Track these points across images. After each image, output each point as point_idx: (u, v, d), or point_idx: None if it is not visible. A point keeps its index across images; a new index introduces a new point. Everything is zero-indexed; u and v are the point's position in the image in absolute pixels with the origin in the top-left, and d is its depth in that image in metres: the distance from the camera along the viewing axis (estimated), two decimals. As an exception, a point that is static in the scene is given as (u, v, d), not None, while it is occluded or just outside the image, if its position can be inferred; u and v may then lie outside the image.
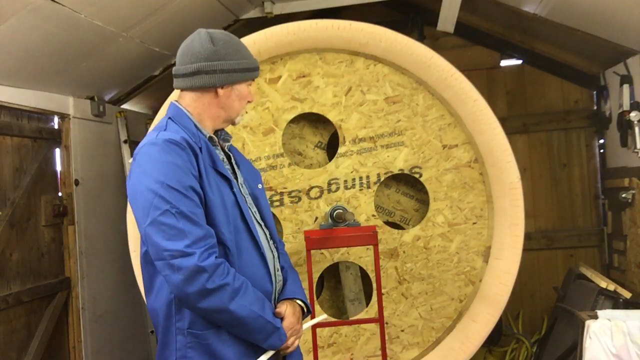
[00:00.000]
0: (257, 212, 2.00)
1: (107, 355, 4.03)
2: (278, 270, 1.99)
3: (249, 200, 2.00)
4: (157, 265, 1.72)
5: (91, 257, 3.91)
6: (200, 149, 1.85)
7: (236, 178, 1.99)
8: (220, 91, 1.92)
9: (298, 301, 1.98)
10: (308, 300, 2.09)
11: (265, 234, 1.99)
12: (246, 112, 2.07)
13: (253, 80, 2.02)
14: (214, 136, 1.96)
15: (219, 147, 1.99)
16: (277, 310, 1.87)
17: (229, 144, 2.06)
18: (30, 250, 3.47)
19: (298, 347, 2.06)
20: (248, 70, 1.96)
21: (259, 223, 1.97)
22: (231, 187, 1.88)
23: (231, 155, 2.05)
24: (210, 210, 1.79)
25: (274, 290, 1.94)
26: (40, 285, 3.48)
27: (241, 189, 1.97)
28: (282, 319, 1.88)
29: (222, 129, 2.06)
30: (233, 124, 2.03)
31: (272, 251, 1.98)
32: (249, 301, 1.76)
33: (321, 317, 2.22)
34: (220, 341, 1.79)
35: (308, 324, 2.13)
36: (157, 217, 1.69)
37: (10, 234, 3.28)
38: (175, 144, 1.77)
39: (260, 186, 2.08)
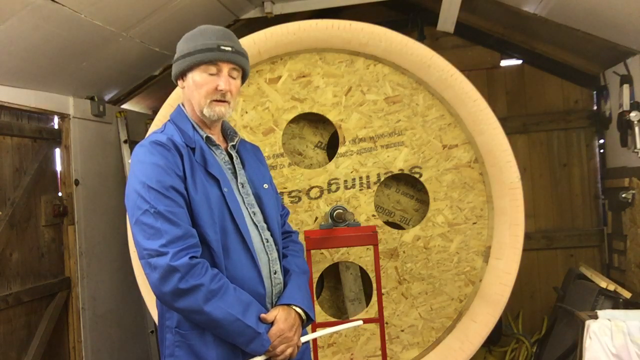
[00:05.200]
0: (257, 213, 1.96)
1: (107, 355, 4.03)
2: (276, 273, 1.94)
3: (249, 200, 1.96)
4: (140, 263, 1.75)
5: (91, 257, 3.91)
6: (194, 149, 1.85)
7: (236, 178, 1.96)
8: (179, 83, 1.95)
9: (296, 308, 1.90)
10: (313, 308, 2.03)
11: (261, 236, 1.93)
12: (207, 103, 1.88)
13: (206, 64, 1.85)
14: (211, 136, 1.94)
15: (220, 147, 1.97)
16: (264, 315, 1.81)
17: (233, 143, 2.01)
18: (30, 250, 3.47)
19: (308, 353, 2.03)
20: (188, 55, 1.87)
21: (255, 224, 1.93)
22: (220, 188, 1.85)
23: (234, 154, 2.00)
24: (194, 210, 1.79)
25: (268, 293, 1.90)
26: (40, 285, 3.48)
27: (239, 189, 1.94)
28: (271, 324, 1.82)
29: (231, 128, 2.06)
30: (209, 119, 1.91)
31: (267, 253, 1.93)
32: (227, 304, 1.72)
33: (326, 330, 2.10)
34: (203, 343, 1.79)
35: (316, 334, 2.06)
36: (139, 216, 1.73)
37: (10, 234, 3.28)
38: (160, 145, 1.80)
39: (266, 186, 2.02)
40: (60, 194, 3.80)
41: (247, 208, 1.93)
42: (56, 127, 3.78)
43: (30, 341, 3.40)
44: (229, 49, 1.86)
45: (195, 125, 1.93)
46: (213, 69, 1.86)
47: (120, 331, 4.21)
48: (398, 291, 3.07)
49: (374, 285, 2.96)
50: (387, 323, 3.02)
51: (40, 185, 3.59)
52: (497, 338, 4.36)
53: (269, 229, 1.97)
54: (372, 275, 3.03)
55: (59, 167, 3.80)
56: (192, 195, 1.79)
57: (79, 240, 3.80)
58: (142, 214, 1.72)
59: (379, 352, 2.92)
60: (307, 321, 1.94)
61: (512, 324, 4.56)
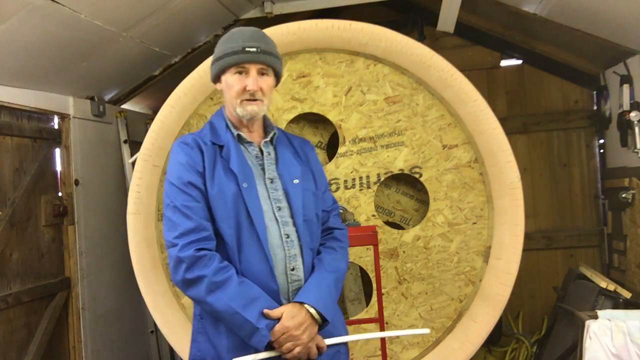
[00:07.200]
0: (283, 208, 1.94)
1: (107, 355, 4.03)
2: (294, 270, 1.91)
3: (276, 195, 1.95)
4: None
5: (91, 257, 3.91)
6: (222, 147, 1.95)
7: (264, 174, 1.97)
8: (217, 86, 2.04)
9: (308, 307, 1.84)
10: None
11: (280, 231, 1.92)
12: (238, 103, 1.94)
13: (235, 67, 1.91)
14: (242, 133, 1.99)
15: (253, 144, 2.01)
16: (267, 311, 1.80)
17: (266, 139, 2.03)
18: (30, 250, 3.47)
19: (340, 357, 1.99)
20: (218, 59, 1.96)
21: (276, 219, 1.92)
22: (238, 183, 1.89)
23: (265, 150, 2.01)
24: (211, 205, 1.88)
25: (283, 289, 1.89)
26: (40, 285, 3.48)
27: (266, 184, 1.95)
28: (278, 320, 1.80)
29: (270, 124, 2.08)
30: (243, 118, 1.96)
31: (284, 249, 1.91)
32: (228, 296, 1.77)
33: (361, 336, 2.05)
34: (216, 331, 1.88)
35: (346, 338, 1.99)
36: (164, 210, 1.91)
37: (10, 234, 3.28)
38: (185, 144, 1.95)
39: (296, 181, 1.99)
40: (60, 194, 3.80)
41: (272, 203, 1.94)
42: (56, 127, 3.78)
43: (30, 341, 3.40)
44: (254, 49, 1.92)
45: (229, 124, 2.00)
46: (242, 71, 1.94)
47: (120, 331, 4.21)
48: (398, 291, 3.07)
49: (374, 285, 2.96)
50: (387, 323, 3.01)
51: (40, 185, 3.59)
52: (497, 338, 4.37)
53: (294, 224, 1.95)
54: (372, 275, 3.03)
55: (59, 167, 3.80)
56: (209, 190, 1.88)
57: (79, 240, 3.80)
58: (166, 208, 1.89)
59: (379, 352, 2.92)
60: (323, 322, 1.89)
61: (512, 324, 4.56)
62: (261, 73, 1.95)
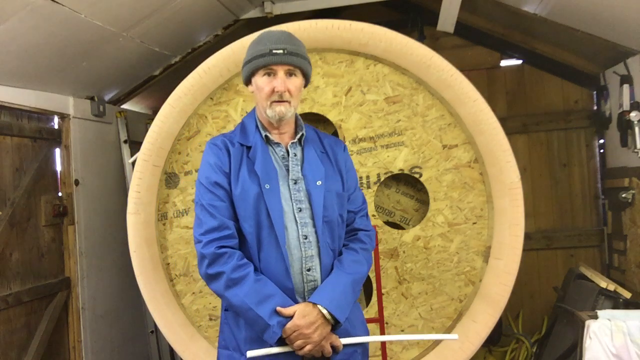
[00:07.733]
0: (304, 210, 1.97)
1: (107, 355, 4.03)
2: (309, 270, 1.95)
3: (298, 196, 1.98)
4: None
5: (91, 257, 3.92)
6: (250, 148, 2.01)
7: (288, 175, 2.00)
8: (248, 88, 2.07)
9: (320, 307, 1.88)
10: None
11: (299, 232, 1.95)
12: (268, 105, 1.98)
13: (262, 69, 1.96)
14: (269, 135, 2.03)
15: (280, 144, 2.04)
16: (279, 308, 1.85)
17: (293, 140, 2.05)
18: (30, 250, 3.47)
19: (357, 357, 2.02)
20: (247, 62, 2.01)
21: (296, 220, 1.95)
22: (260, 185, 1.94)
23: (291, 151, 2.03)
24: (235, 204, 1.97)
25: (299, 288, 1.94)
26: (40, 285, 3.48)
27: (290, 186, 1.98)
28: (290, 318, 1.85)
29: (300, 125, 2.10)
30: (273, 119, 1.99)
31: (301, 250, 1.94)
32: (244, 293, 1.85)
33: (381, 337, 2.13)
34: (236, 324, 1.97)
35: (363, 338, 2.02)
36: (195, 208, 2.02)
37: (10, 234, 3.28)
38: (214, 145, 2.03)
39: (319, 183, 2.01)
40: (60, 194, 3.80)
41: (293, 204, 1.97)
42: (56, 127, 3.78)
43: (30, 341, 3.40)
44: (281, 51, 1.95)
45: (259, 125, 2.05)
46: (270, 73, 1.97)
47: (120, 331, 4.21)
48: (398, 291, 3.07)
49: (374, 285, 2.96)
50: (387, 323, 3.02)
51: (40, 185, 3.59)
52: (497, 338, 4.37)
53: (314, 225, 1.97)
54: (372, 275, 3.03)
55: (59, 167, 3.80)
56: (233, 190, 1.97)
57: (79, 240, 3.80)
58: (195, 206, 2.00)
59: (379, 352, 2.92)
60: (336, 323, 1.91)
61: (512, 324, 4.56)
62: (289, 74, 1.97)
